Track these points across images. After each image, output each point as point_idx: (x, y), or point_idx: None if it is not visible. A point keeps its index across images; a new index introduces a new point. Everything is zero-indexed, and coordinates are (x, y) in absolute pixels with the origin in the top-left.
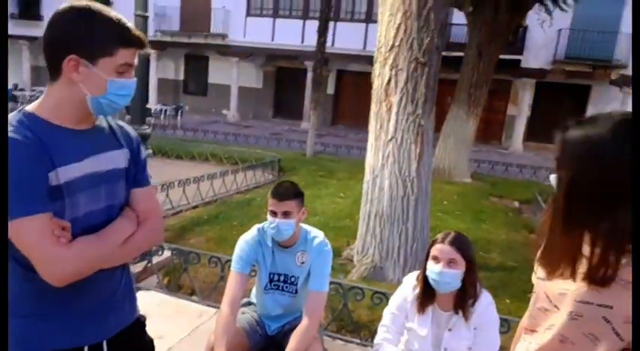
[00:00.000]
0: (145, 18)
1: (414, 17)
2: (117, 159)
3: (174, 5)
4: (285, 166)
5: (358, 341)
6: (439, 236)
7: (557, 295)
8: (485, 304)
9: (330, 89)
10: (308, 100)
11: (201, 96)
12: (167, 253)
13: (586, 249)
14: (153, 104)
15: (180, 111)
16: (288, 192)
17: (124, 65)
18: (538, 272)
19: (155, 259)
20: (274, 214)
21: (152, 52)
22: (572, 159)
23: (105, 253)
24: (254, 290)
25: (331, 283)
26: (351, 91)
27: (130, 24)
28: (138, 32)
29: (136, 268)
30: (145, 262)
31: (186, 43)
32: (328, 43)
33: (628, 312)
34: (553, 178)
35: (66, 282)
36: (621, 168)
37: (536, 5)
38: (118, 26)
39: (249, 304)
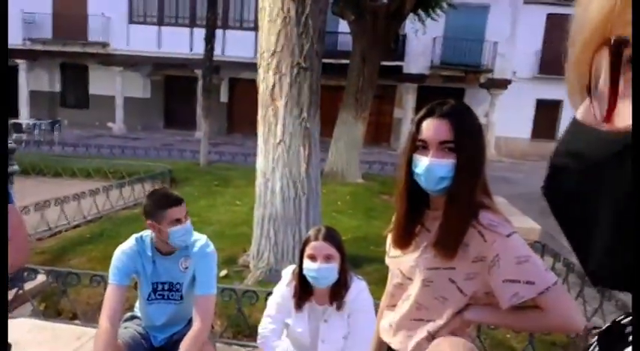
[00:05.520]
0: None
1: (293, 23)
2: None
3: (46, 12)
4: (178, 176)
5: (254, 345)
6: (311, 234)
7: (409, 268)
8: (357, 290)
9: (224, 97)
10: (200, 109)
11: (82, 109)
12: (42, 277)
13: (434, 222)
14: (24, 119)
15: (57, 125)
16: (179, 197)
17: None
18: (391, 252)
19: (28, 285)
20: (179, 221)
21: (21, 62)
22: (472, 140)
23: None
24: (137, 303)
25: (224, 289)
26: (245, 99)
27: None
28: None
29: None
30: (15, 290)
31: (61, 52)
32: (218, 52)
33: (467, 270)
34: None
35: None
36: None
37: (411, 15)
38: None
39: (133, 317)
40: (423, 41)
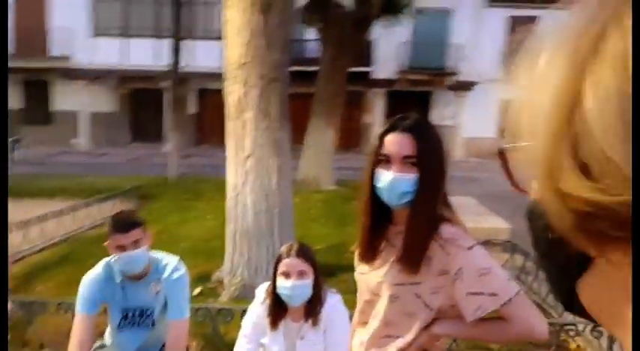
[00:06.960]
0: None
1: (260, 35)
2: None
3: (9, 25)
4: (147, 192)
5: None
6: (283, 250)
7: (376, 284)
8: (332, 303)
9: (192, 109)
10: (168, 122)
11: (44, 125)
12: (7, 307)
13: (397, 237)
14: None
15: (16, 144)
16: (130, 221)
17: None
18: (358, 268)
19: None
20: (122, 248)
21: None
22: (434, 154)
23: None
24: (107, 332)
25: (198, 309)
26: (214, 110)
27: None
28: None
29: None
30: None
31: (23, 69)
32: (185, 62)
33: (433, 284)
34: (404, 176)
35: None
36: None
37: (377, 20)
38: None
39: (102, 346)
40: (390, 46)
